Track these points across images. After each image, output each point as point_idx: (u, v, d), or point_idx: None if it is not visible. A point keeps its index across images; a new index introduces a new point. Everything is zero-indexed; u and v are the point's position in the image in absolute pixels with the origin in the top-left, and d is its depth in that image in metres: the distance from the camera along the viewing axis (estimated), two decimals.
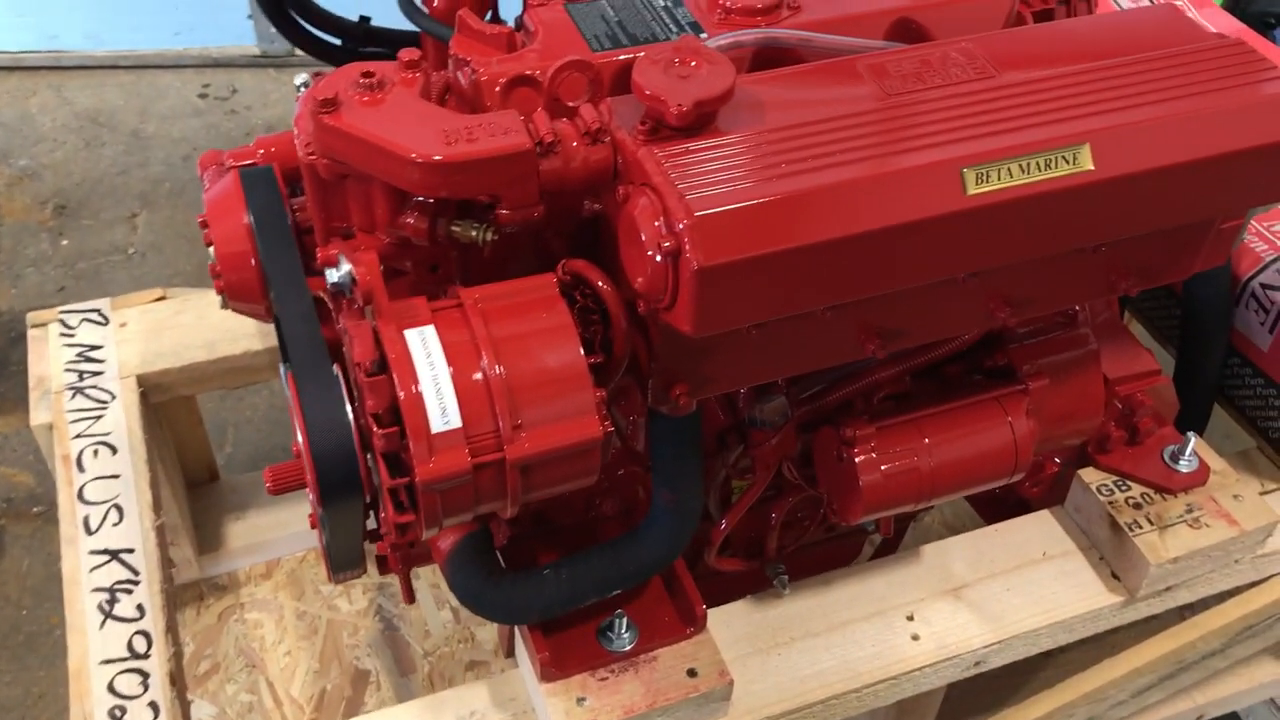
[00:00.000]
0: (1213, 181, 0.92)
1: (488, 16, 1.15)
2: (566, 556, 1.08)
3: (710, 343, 0.89)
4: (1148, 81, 0.93)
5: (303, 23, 1.18)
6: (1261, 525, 1.24)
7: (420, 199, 0.88)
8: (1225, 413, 1.46)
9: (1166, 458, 1.28)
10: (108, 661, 1.15)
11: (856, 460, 1.08)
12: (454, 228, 0.90)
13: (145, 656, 1.16)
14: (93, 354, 1.44)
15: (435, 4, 1.09)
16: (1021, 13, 1.18)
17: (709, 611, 1.18)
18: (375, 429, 0.79)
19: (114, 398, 1.39)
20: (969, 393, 1.15)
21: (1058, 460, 1.33)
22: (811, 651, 1.18)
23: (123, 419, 1.37)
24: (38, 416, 1.38)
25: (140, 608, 1.19)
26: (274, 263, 0.92)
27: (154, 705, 1.12)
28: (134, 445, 1.35)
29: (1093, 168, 0.87)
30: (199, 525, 1.69)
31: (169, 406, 1.58)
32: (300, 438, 0.82)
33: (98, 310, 1.49)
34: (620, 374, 0.92)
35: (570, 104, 0.89)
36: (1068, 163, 0.86)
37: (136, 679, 1.14)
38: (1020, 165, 0.85)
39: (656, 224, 0.81)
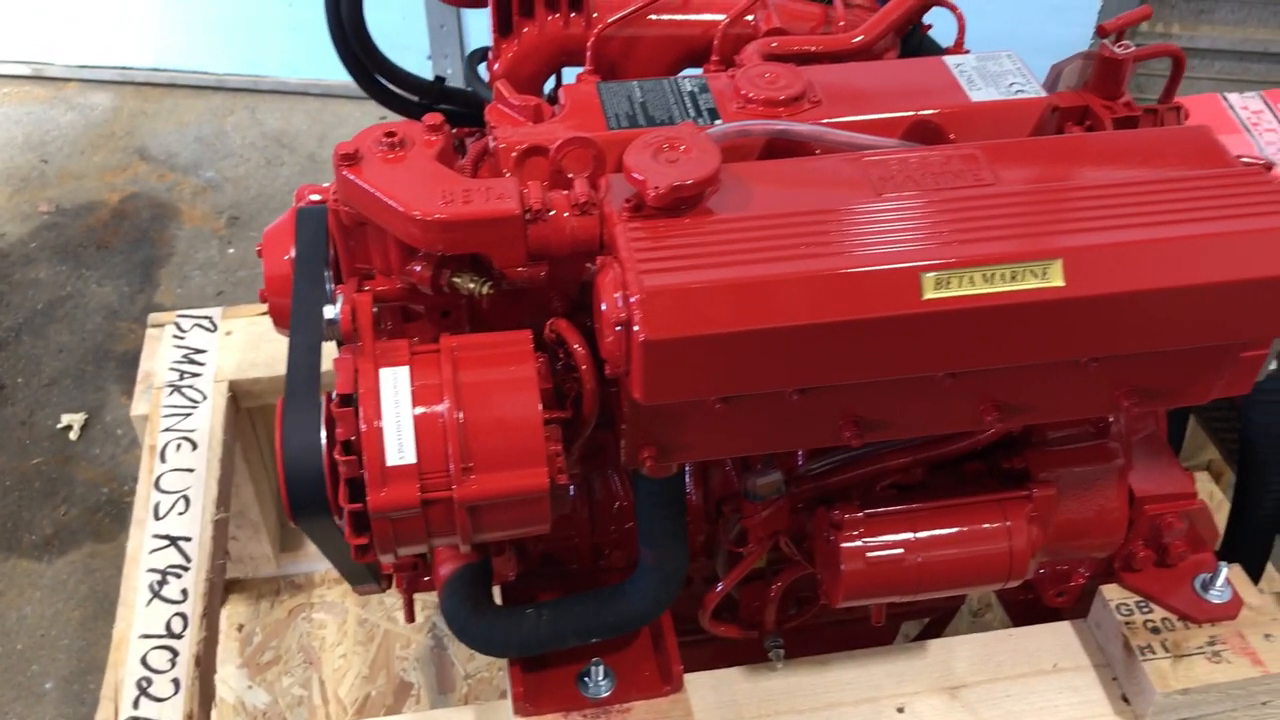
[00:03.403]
0: (1200, 311, 0.91)
1: (550, 85, 1.23)
2: (552, 600, 1.13)
3: (675, 411, 0.93)
4: (1146, 203, 0.92)
5: (385, 82, 1.29)
6: None
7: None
8: None
9: (1197, 585, 1.24)
10: (146, 636, 1.27)
11: (841, 545, 1.10)
12: (455, 279, 0.97)
13: (179, 637, 1.27)
14: (196, 357, 1.58)
15: (496, 69, 1.18)
16: (1102, 117, 1.17)
17: (701, 674, 1.22)
18: (339, 455, 0.87)
19: (205, 398, 1.53)
20: (974, 492, 1.14)
21: (1084, 572, 1.30)
22: None
23: (208, 419, 1.50)
24: (137, 408, 1.53)
25: (185, 592, 1.31)
26: (299, 296, 1.01)
27: (176, 682, 1.23)
28: (213, 444, 1.48)
29: (1063, 284, 0.87)
30: (284, 525, 1.82)
31: (267, 411, 1.71)
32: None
33: (209, 317, 1.64)
34: (588, 431, 0.97)
35: (570, 176, 0.96)
36: (1036, 276, 0.87)
37: (167, 655, 1.25)
38: (984, 274, 0.87)
39: (616, 296, 0.86)
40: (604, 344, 0.89)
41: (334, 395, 0.90)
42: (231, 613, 1.77)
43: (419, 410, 0.88)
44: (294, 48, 3.15)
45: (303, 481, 0.89)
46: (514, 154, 1.00)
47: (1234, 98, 1.68)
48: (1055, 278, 0.88)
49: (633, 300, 0.84)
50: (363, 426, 0.87)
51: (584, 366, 0.94)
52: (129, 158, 3.00)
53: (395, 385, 0.89)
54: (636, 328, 0.84)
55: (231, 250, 2.71)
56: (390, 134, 0.96)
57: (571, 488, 1.21)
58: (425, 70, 3.01)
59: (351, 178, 0.94)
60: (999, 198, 0.93)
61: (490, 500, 0.89)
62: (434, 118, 0.97)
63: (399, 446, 0.87)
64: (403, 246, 0.98)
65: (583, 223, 0.93)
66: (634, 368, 0.87)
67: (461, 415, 0.88)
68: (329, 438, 0.90)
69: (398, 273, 1.00)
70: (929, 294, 0.86)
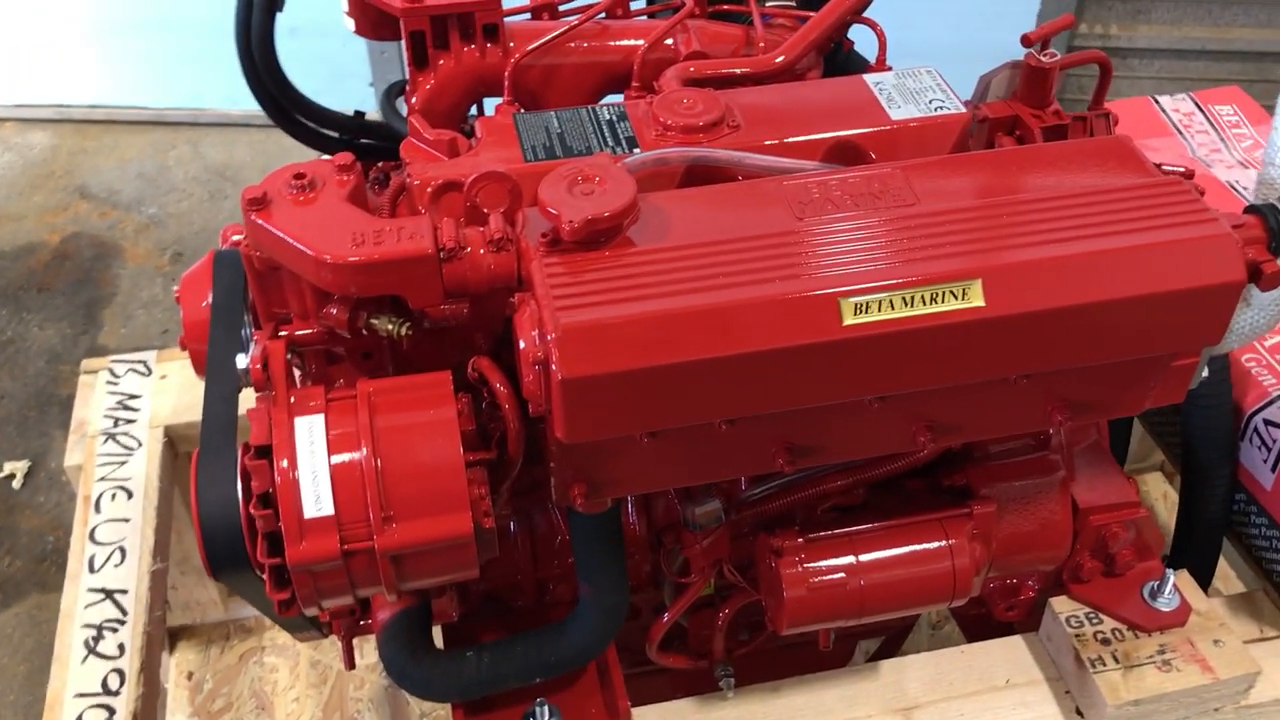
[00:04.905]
0: (1123, 324, 0.90)
1: (472, 114, 1.22)
2: (492, 641, 1.11)
3: (602, 447, 0.92)
4: (1066, 218, 0.91)
5: (302, 119, 1.27)
6: (1238, 675, 1.18)
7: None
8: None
9: (1145, 594, 1.23)
10: (81, 695, 1.23)
11: (783, 572, 1.08)
12: (373, 321, 0.95)
13: (116, 694, 1.24)
14: (131, 403, 1.55)
15: (414, 102, 1.16)
16: (1032, 127, 1.17)
17: (649, 707, 1.20)
18: (255, 509, 0.85)
19: (140, 445, 1.50)
20: (916, 510, 1.13)
21: (1034, 585, 1.29)
22: None
23: (144, 466, 1.47)
24: (71, 458, 1.49)
25: (121, 647, 1.28)
26: (215, 343, 0.99)
27: None
28: (149, 492, 1.44)
29: (983, 304, 0.86)
30: None
31: None
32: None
33: (144, 361, 1.61)
34: (515, 471, 0.95)
35: (486, 211, 0.94)
36: (956, 298, 0.86)
37: (103, 715, 1.22)
38: (903, 298, 0.85)
39: (533, 334, 0.84)
40: (524, 383, 0.87)
41: (250, 446, 0.88)
42: (180, 660, 1.74)
43: (336, 459, 0.86)
44: (235, 79, 3.11)
45: (220, 537, 0.87)
46: (428, 190, 0.98)
47: (1165, 100, 1.69)
48: (975, 298, 0.87)
49: (549, 338, 0.83)
50: (278, 479, 0.85)
51: (507, 406, 0.92)
52: (69, 197, 2.95)
53: (310, 434, 0.86)
54: (554, 366, 0.82)
55: (176, 287, 2.67)
56: (300, 175, 0.94)
57: (512, 524, 1.19)
58: (369, 98, 3.00)
59: (260, 223, 0.91)
60: (919, 218, 0.92)
61: (413, 549, 0.87)
62: (344, 157, 0.95)
63: (316, 498, 0.85)
64: (317, 290, 0.96)
65: (499, 259, 0.91)
66: (555, 407, 0.85)
67: (380, 462, 0.86)
68: (245, 491, 0.87)
69: (314, 316, 0.98)
70: (849, 320, 0.85)
